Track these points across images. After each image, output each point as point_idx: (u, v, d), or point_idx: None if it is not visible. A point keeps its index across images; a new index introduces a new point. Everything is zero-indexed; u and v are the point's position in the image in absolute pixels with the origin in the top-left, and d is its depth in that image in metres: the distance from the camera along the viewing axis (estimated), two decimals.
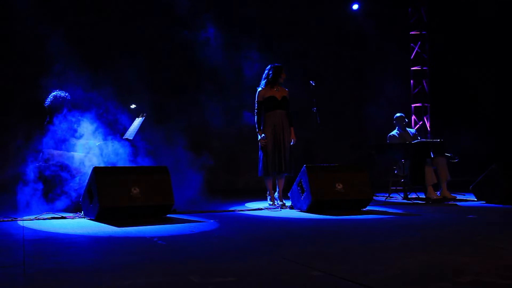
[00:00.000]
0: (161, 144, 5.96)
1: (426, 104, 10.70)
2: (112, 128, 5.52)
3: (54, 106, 5.44)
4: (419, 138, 7.39)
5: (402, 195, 6.90)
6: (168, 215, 4.79)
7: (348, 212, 5.02)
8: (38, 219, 4.51)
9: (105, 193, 4.37)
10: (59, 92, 5.49)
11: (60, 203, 4.99)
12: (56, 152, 5.27)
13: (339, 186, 5.31)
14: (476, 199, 6.51)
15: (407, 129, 7.47)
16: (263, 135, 5.86)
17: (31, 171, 5.10)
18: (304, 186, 5.31)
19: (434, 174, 6.76)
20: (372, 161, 8.69)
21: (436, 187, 6.93)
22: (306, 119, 6.98)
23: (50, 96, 5.48)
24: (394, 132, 7.39)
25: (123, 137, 5.73)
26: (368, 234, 3.75)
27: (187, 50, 7.83)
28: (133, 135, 5.66)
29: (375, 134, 9.87)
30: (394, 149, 7.02)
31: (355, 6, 10.30)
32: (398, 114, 7.47)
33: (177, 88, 8.70)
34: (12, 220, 4.43)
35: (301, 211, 5.30)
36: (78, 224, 4.23)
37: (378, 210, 5.35)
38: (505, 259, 2.62)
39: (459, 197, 6.95)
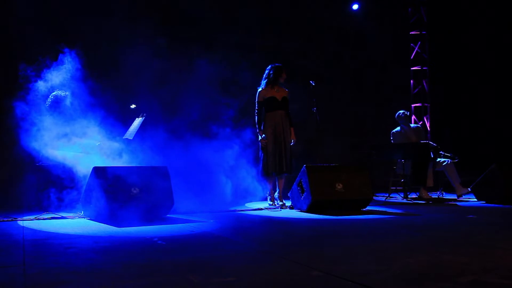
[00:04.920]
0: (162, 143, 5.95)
1: (426, 104, 10.70)
2: (113, 127, 5.52)
3: (55, 106, 5.44)
4: (422, 131, 7.45)
5: (402, 195, 6.90)
6: (168, 215, 4.79)
7: (348, 212, 5.02)
8: (38, 219, 4.51)
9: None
10: (60, 92, 5.47)
11: (58, 203, 4.99)
12: (55, 152, 5.27)
13: (339, 186, 5.31)
14: (476, 199, 6.51)
15: (410, 124, 7.47)
16: (263, 135, 5.86)
17: (30, 171, 5.10)
18: (304, 186, 5.31)
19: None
20: (372, 161, 8.69)
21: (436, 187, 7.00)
22: (306, 119, 6.98)
23: (51, 96, 5.46)
24: (398, 129, 7.39)
25: (123, 137, 5.74)
26: (368, 234, 3.75)
27: (188, 49, 7.81)
28: (133, 135, 5.67)
29: (375, 134, 9.86)
30: (394, 149, 7.03)
31: (355, 6, 10.30)
32: (399, 112, 7.46)
33: (178, 87, 8.68)
34: (12, 220, 4.43)
35: (301, 211, 5.30)
36: (78, 224, 4.23)
37: (378, 210, 5.35)
38: (505, 259, 2.62)
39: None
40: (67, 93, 5.47)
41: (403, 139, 7.23)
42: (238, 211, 5.38)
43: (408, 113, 7.44)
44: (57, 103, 5.43)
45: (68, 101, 5.45)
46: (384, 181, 7.69)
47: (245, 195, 6.38)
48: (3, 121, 5.38)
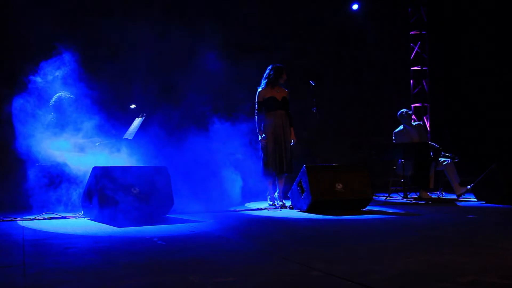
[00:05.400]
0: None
1: (426, 104, 10.70)
2: (113, 128, 5.52)
3: (58, 106, 5.46)
4: (423, 128, 7.45)
5: (402, 195, 6.90)
6: (168, 215, 4.79)
7: (348, 212, 5.02)
8: (38, 219, 4.52)
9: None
10: (64, 93, 5.50)
11: (59, 203, 4.99)
12: (56, 152, 5.27)
13: (339, 186, 5.31)
14: (476, 199, 6.51)
15: (412, 123, 7.45)
16: (263, 135, 5.86)
17: (31, 171, 5.10)
18: (304, 186, 5.31)
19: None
20: (372, 161, 8.70)
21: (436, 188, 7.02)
22: (306, 119, 6.97)
23: (55, 96, 5.49)
24: (400, 127, 7.37)
25: (123, 137, 5.74)
26: (368, 234, 3.75)
27: (185, 51, 7.81)
28: (133, 135, 5.67)
29: (375, 134, 9.86)
30: (394, 149, 7.03)
31: (355, 6, 10.30)
32: (402, 110, 7.44)
33: (171, 88, 8.68)
34: (12, 220, 4.44)
35: (301, 211, 5.30)
36: (78, 224, 4.23)
37: (378, 210, 5.35)
38: (505, 259, 2.62)
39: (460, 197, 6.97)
40: (72, 96, 5.49)
41: (405, 138, 7.22)
42: (238, 211, 5.37)
43: (410, 112, 7.44)
44: (60, 104, 5.46)
45: (71, 103, 5.47)
46: (384, 181, 7.69)
47: (245, 195, 6.38)
48: (2, 120, 5.38)
